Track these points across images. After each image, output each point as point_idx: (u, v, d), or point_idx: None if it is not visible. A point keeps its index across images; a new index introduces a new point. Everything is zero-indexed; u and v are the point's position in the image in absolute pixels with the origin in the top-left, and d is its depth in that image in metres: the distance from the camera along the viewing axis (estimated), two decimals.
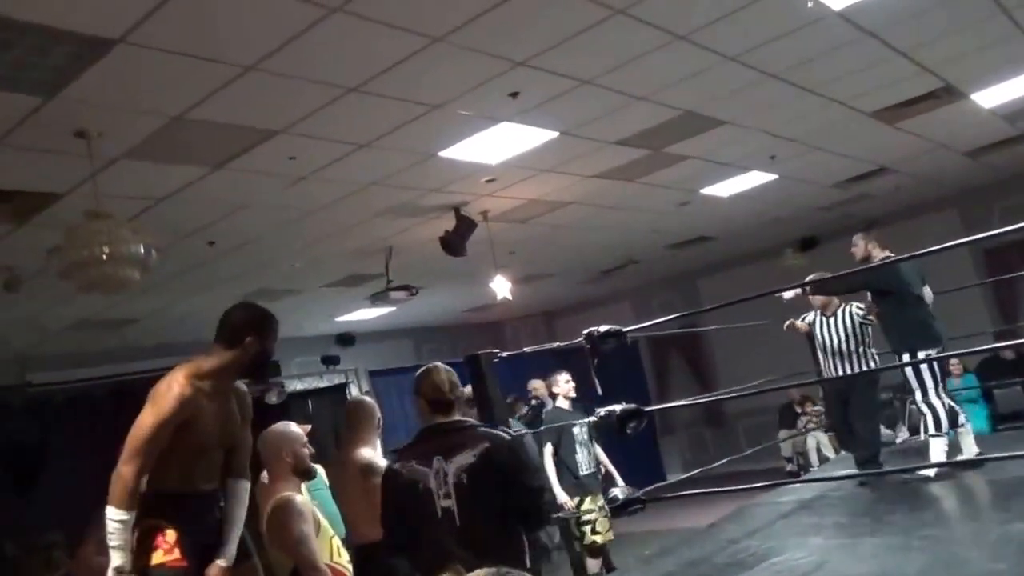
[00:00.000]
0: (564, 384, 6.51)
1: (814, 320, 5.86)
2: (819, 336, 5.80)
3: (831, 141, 7.17)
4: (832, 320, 5.75)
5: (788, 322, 6.16)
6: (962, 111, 6.92)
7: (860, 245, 5.63)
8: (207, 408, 3.31)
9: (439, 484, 3.12)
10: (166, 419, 3.18)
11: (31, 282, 6.18)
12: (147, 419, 3.19)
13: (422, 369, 3.41)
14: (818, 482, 6.05)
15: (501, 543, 3.12)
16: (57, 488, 7.58)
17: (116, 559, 3.12)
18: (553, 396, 6.62)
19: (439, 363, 3.45)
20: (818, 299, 5.79)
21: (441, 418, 3.29)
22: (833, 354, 5.73)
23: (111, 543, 3.15)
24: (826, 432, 9.59)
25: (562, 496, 6.17)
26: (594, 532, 6.24)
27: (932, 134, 7.49)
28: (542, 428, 6.19)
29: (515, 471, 3.16)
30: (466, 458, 3.11)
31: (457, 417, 3.31)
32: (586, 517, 6.24)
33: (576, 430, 6.26)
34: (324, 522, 3.78)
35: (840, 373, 5.70)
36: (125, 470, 3.15)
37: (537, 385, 6.97)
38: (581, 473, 6.27)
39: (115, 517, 3.13)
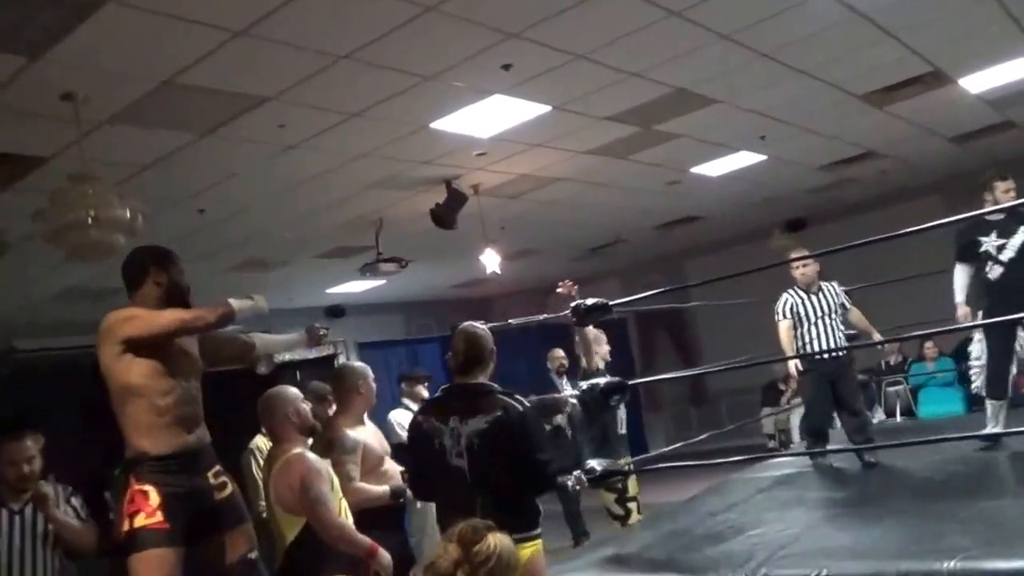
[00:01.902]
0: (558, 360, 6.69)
1: (795, 303, 5.73)
2: (803, 314, 5.70)
3: (821, 123, 7.20)
4: (816, 298, 5.72)
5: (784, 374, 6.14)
6: (949, 96, 6.95)
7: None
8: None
9: (453, 444, 3.25)
10: (133, 311, 3.32)
11: (18, 248, 6.16)
12: (147, 319, 3.30)
13: (459, 327, 3.49)
14: (801, 456, 6.13)
15: (510, 504, 3.21)
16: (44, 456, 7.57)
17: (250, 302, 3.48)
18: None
19: (474, 323, 3.54)
20: (809, 275, 5.73)
21: (468, 378, 3.39)
22: (819, 332, 5.67)
23: (245, 305, 3.45)
24: None
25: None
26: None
27: (919, 118, 7.52)
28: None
29: (523, 442, 3.24)
30: (479, 423, 3.23)
31: (480, 380, 3.40)
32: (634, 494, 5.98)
33: None
34: (336, 481, 3.79)
35: (829, 349, 5.61)
36: (206, 322, 3.38)
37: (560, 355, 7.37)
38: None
39: (238, 306, 3.40)
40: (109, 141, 4.82)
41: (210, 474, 3.53)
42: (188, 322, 3.33)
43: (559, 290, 5.24)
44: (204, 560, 3.52)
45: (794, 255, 5.64)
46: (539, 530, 3.28)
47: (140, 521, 3.26)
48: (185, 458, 3.42)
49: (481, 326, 3.52)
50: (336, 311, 11.67)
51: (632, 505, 5.70)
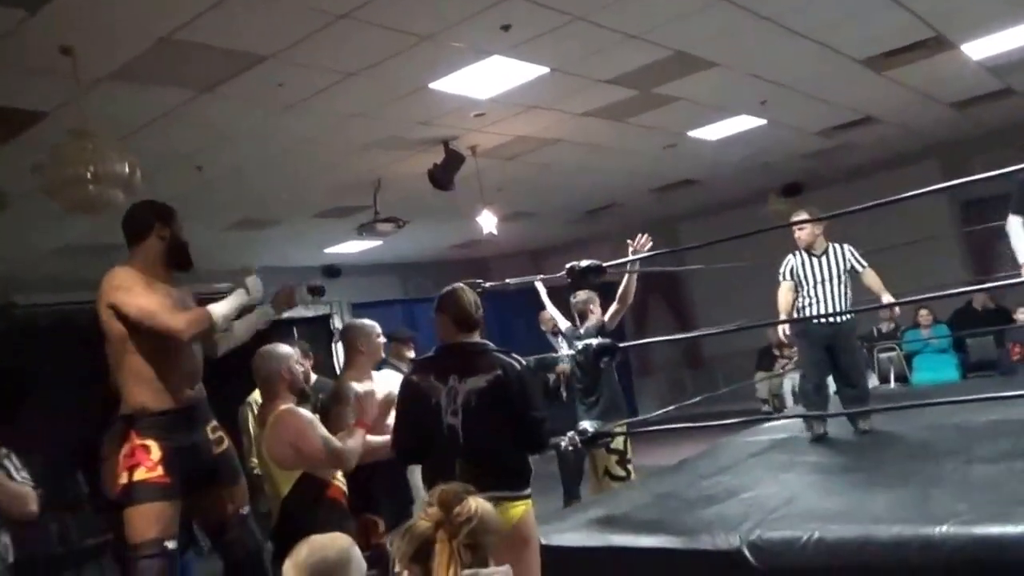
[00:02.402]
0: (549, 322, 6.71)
1: (796, 265, 5.55)
2: (804, 276, 5.49)
3: (821, 88, 7.17)
4: (821, 260, 5.49)
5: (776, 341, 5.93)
6: (951, 62, 6.92)
7: None
8: (156, 284, 3.45)
9: (448, 402, 3.26)
10: (135, 282, 3.36)
11: (17, 203, 6.15)
12: (130, 297, 3.33)
13: (447, 288, 3.51)
14: (794, 418, 6.09)
15: (501, 462, 3.26)
16: (39, 412, 7.61)
17: (239, 297, 3.56)
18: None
19: (464, 284, 3.56)
20: (804, 238, 5.54)
21: (463, 337, 3.40)
22: (818, 295, 5.44)
23: (232, 307, 3.50)
24: None
25: None
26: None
27: (920, 84, 7.50)
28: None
29: (521, 400, 3.28)
30: (478, 382, 3.25)
31: (476, 339, 3.43)
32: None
33: None
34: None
35: (827, 313, 5.41)
36: (180, 326, 3.34)
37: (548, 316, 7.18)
38: None
39: (218, 313, 3.43)
40: (108, 97, 4.80)
41: (208, 428, 3.59)
42: (165, 326, 3.32)
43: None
44: (198, 513, 3.58)
45: (794, 218, 5.50)
46: (529, 490, 3.32)
47: (140, 475, 3.32)
48: (185, 413, 3.48)
49: (470, 287, 3.54)
50: (332, 271, 11.67)
51: (631, 466, 5.64)
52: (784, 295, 5.60)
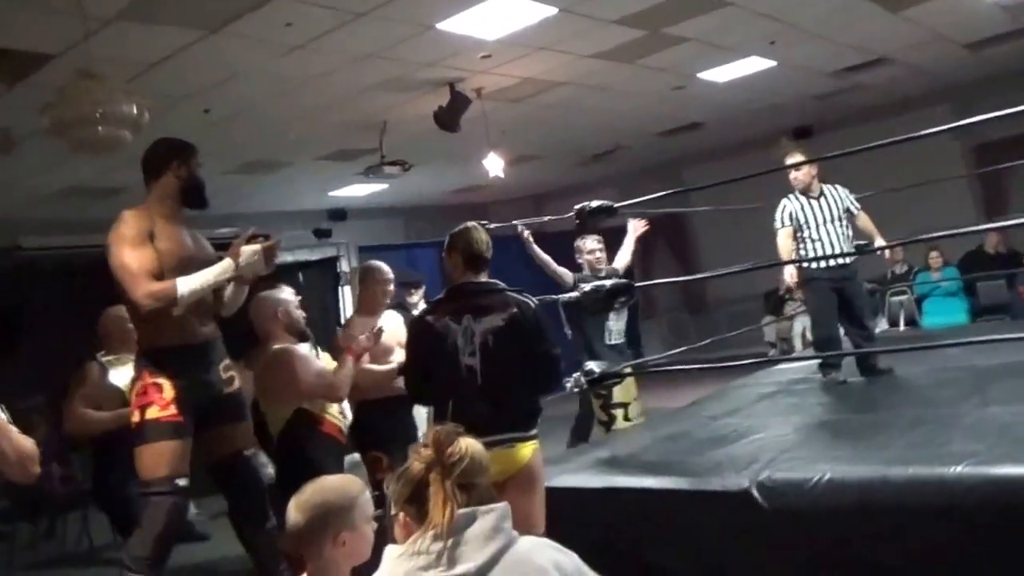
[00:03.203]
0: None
1: (794, 209, 5.43)
2: (805, 220, 5.38)
3: (833, 28, 7.05)
4: (820, 201, 5.40)
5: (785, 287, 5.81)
6: (965, 1, 6.81)
7: None
8: (168, 227, 3.45)
9: (465, 342, 3.24)
10: (132, 234, 3.33)
11: (24, 145, 6.12)
12: (118, 248, 3.32)
13: (458, 228, 3.45)
14: (805, 360, 6.05)
15: (518, 402, 3.28)
16: (41, 353, 7.64)
17: (223, 269, 3.42)
18: None
19: (475, 222, 3.50)
20: (801, 179, 5.41)
21: (474, 277, 3.38)
22: (823, 237, 5.35)
23: (206, 283, 3.37)
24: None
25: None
26: (627, 418, 5.68)
27: (934, 23, 7.38)
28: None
29: (536, 337, 3.28)
30: (494, 321, 3.23)
31: (487, 278, 3.41)
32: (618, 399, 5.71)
33: None
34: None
35: (834, 255, 5.32)
36: (140, 295, 3.29)
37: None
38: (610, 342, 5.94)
39: (184, 290, 3.31)
40: (116, 38, 4.75)
41: (221, 367, 3.61)
42: (129, 289, 3.30)
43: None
44: (204, 450, 3.62)
45: (789, 160, 5.37)
46: (537, 430, 3.33)
47: (153, 413, 3.35)
48: (199, 351, 3.50)
49: (483, 227, 3.48)
50: (338, 214, 11.64)
51: (617, 412, 5.55)
52: (785, 241, 5.47)
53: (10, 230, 8.70)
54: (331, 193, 10.66)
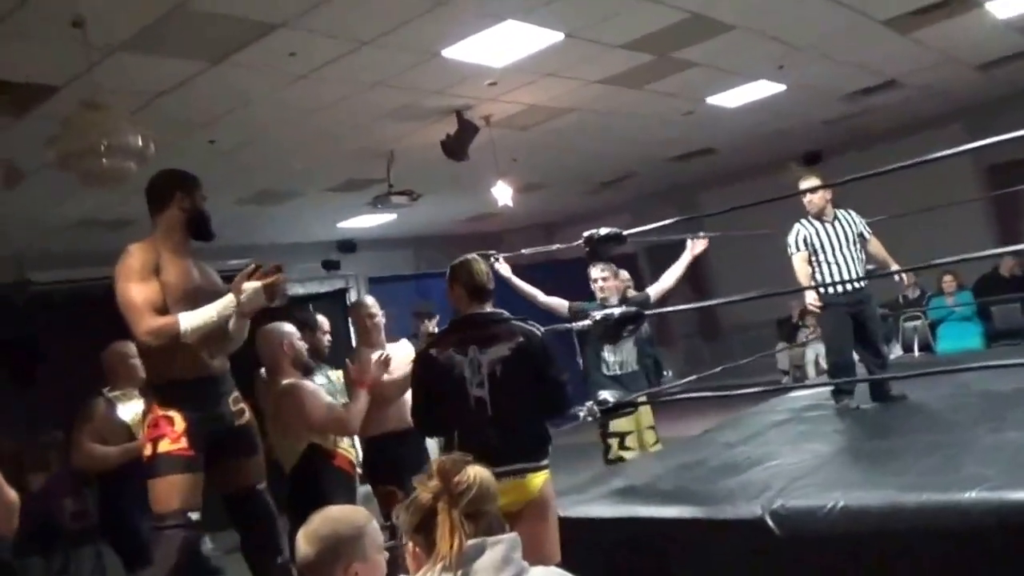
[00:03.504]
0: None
1: (809, 234, 5.38)
2: (820, 244, 5.35)
3: (842, 50, 7.03)
4: (834, 226, 5.38)
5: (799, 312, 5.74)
6: (976, 21, 6.78)
7: None
8: (175, 259, 3.42)
9: (473, 373, 3.23)
10: (137, 269, 3.31)
11: (33, 178, 6.12)
12: (124, 283, 3.30)
13: (459, 259, 3.46)
14: (819, 387, 6.03)
15: (528, 432, 3.27)
16: (56, 388, 7.62)
17: (225, 305, 3.34)
18: None
19: (475, 254, 3.52)
20: (816, 203, 5.38)
21: (478, 308, 3.37)
22: (839, 262, 5.32)
23: (209, 319, 3.30)
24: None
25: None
26: (622, 447, 5.53)
27: (944, 45, 7.35)
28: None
29: (545, 365, 3.28)
30: (501, 351, 3.23)
31: (491, 308, 3.40)
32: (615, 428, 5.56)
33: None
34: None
35: (851, 279, 5.27)
36: (141, 332, 3.27)
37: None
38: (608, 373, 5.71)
39: (186, 326, 3.26)
40: (120, 69, 4.75)
41: (231, 400, 3.59)
42: (132, 325, 3.29)
43: None
44: (216, 483, 3.58)
45: (803, 184, 5.33)
46: (548, 460, 3.32)
47: (164, 446, 3.33)
48: (209, 384, 3.48)
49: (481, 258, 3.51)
50: (347, 246, 11.64)
51: (613, 440, 5.42)
52: (801, 265, 5.41)
53: (20, 264, 8.72)
54: (340, 224, 10.67)
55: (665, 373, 7.19)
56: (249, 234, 9.33)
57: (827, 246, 5.35)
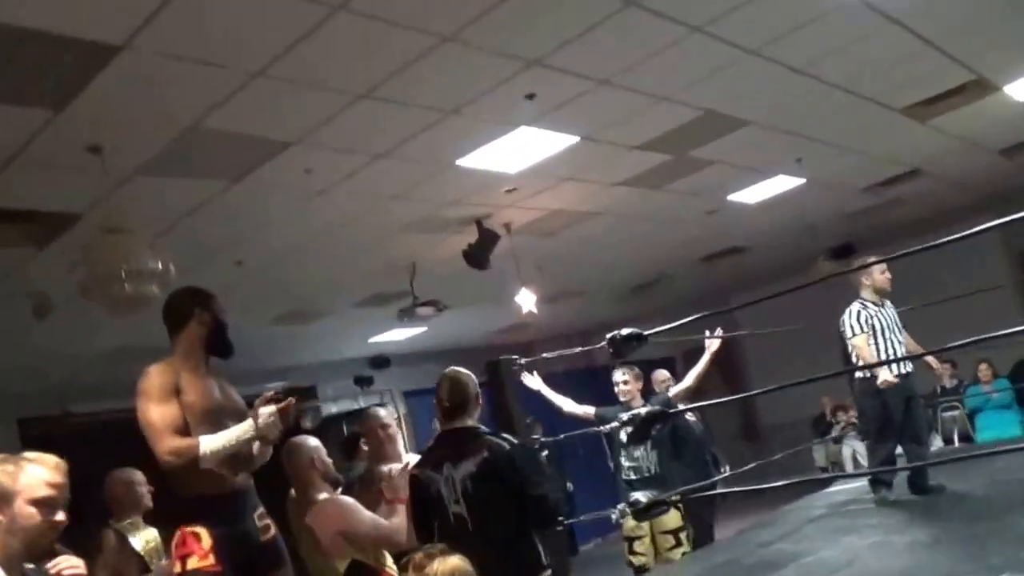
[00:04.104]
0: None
1: (869, 315, 5.33)
2: (880, 326, 5.29)
3: (860, 141, 7.03)
4: (886, 309, 5.40)
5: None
6: (995, 105, 6.75)
7: None
8: (195, 379, 3.41)
9: (449, 491, 3.25)
10: (157, 389, 3.29)
11: (62, 308, 6.19)
12: (144, 404, 3.30)
13: (441, 375, 3.50)
14: (860, 476, 5.97)
15: (515, 545, 3.21)
16: (98, 519, 7.54)
17: (244, 430, 3.28)
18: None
19: (457, 368, 3.54)
20: (879, 282, 5.38)
21: (456, 423, 3.38)
22: (896, 344, 5.29)
23: (228, 443, 3.25)
24: (863, 440, 9.33)
25: None
26: (632, 552, 5.55)
27: (964, 131, 7.32)
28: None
29: (516, 480, 3.23)
30: (468, 467, 3.24)
31: (468, 423, 3.39)
32: (624, 533, 5.65)
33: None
34: None
35: (904, 365, 5.23)
36: (162, 452, 3.24)
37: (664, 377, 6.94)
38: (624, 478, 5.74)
39: (205, 450, 3.22)
40: (140, 193, 4.84)
41: (256, 515, 3.55)
42: (153, 445, 3.27)
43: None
44: None
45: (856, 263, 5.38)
46: (549, 572, 3.28)
47: (193, 563, 3.29)
48: (234, 500, 3.45)
49: (465, 371, 3.54)
50: (380, 361, 11.63)
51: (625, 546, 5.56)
52: (867, 347, 5.27)
53: (58, 397, 8.78)
54: (372, 339, 10.69)
55: (723, 469, 7.27)
56: (282, 355, 9.36)
57: (885, 329, 5.32)
